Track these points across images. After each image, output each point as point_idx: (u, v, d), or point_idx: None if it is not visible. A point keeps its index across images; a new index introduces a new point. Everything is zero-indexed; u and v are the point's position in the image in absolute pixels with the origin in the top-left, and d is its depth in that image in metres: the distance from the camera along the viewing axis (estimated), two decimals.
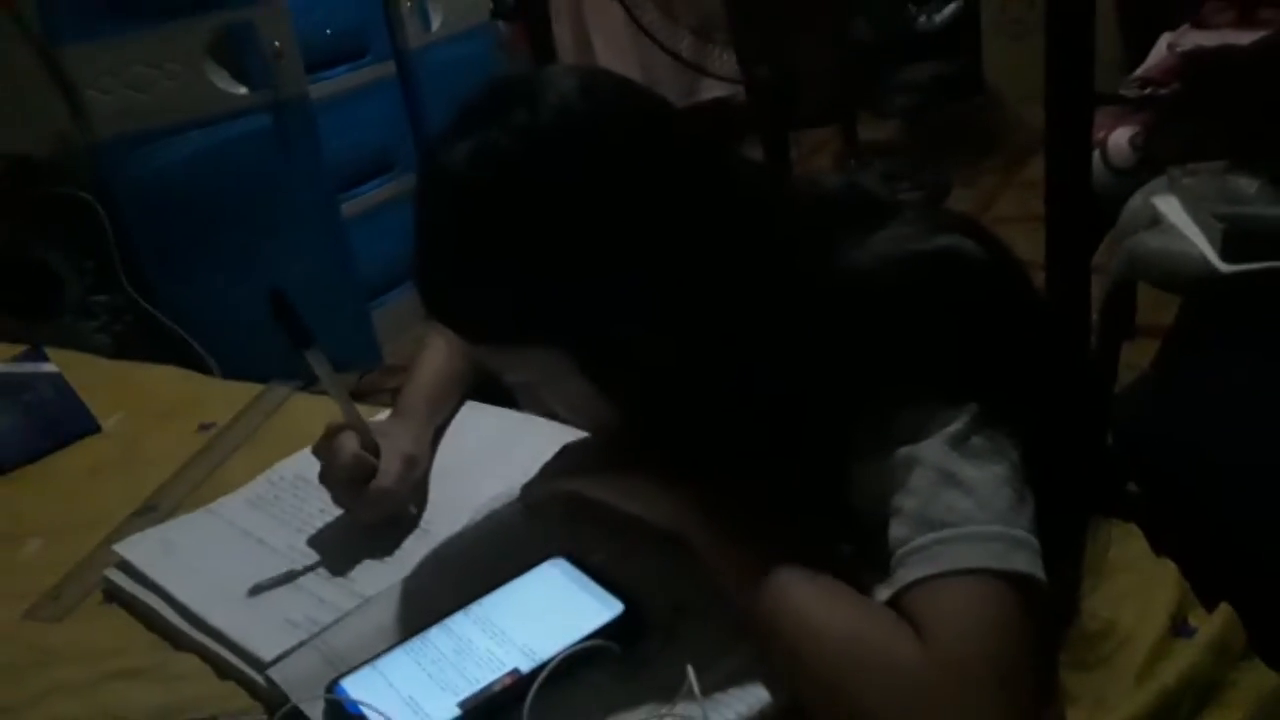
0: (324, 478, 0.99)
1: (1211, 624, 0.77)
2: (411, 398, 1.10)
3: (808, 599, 0.75)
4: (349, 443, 0.98)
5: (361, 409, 1.03)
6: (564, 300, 0.76)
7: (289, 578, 0.95)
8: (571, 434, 0.97)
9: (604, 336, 0.78)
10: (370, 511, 0.99)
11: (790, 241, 0.81)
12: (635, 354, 0.79)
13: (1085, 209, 1.65)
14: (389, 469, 0.99)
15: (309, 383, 1.16)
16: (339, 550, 0.99)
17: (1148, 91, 1.86)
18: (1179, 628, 0.78)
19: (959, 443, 0.73)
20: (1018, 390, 0.76)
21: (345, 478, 0.98)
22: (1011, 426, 0.74)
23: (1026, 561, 0.70)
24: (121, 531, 1.08)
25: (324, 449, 0.99)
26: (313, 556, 0.98)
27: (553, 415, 0.89)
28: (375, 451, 0.99)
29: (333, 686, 0.81)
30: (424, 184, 0.79)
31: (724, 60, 2.95)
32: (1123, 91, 1.89)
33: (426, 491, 1.05)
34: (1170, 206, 1.61)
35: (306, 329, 0.94)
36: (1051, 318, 0.89)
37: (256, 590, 0.94)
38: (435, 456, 1.09)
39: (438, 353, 1.14)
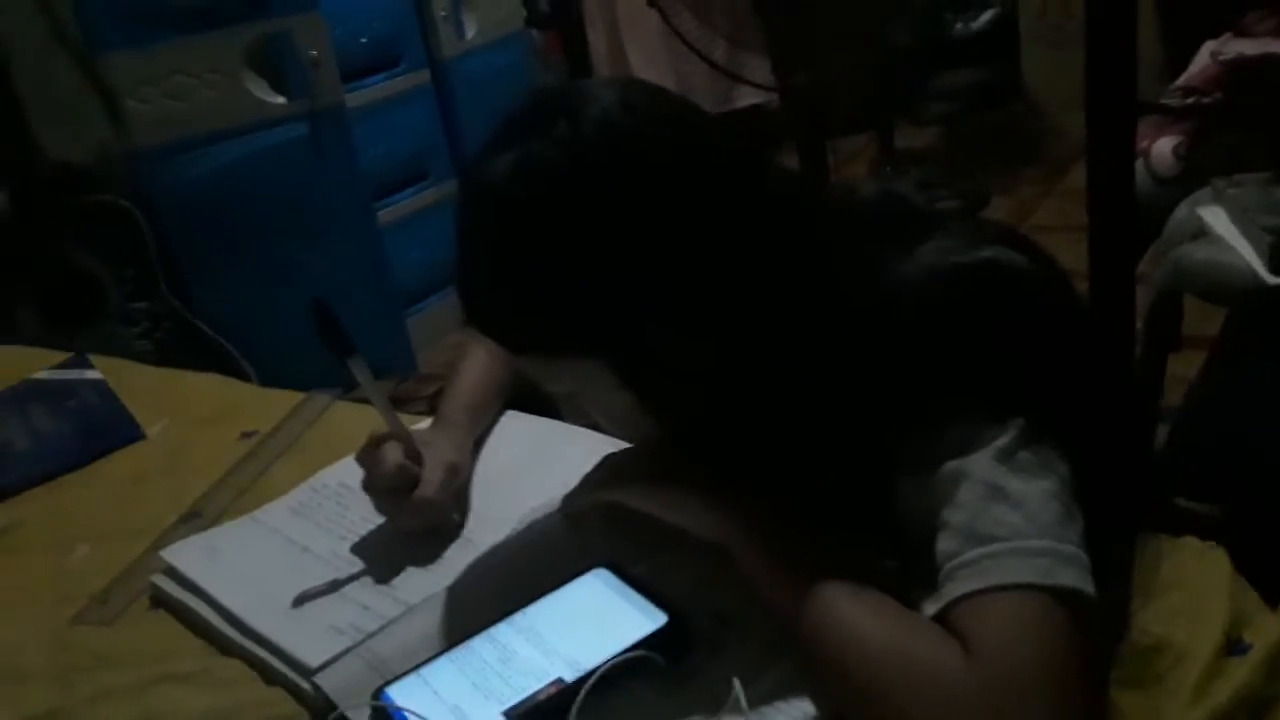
0: (367, 486, 1.01)
1: (1266, 638, 0.76)
2: (452, 407, 1.12)
3: (853, 613, 0.75)
4: (392, 453, 0.99)
5: (399, 417, 1.05)
6: (605, 312, 0.77)
7: (334, 587, 0.97)
8: (613, 444, 0.98)
9: (645, 348, 0.79)
10: (413, 520, 1.00)
11: (829, 252, 0.81)
12: (676, 366, 0.79)
13: (1129, 218, 1.64)
14: (432, 478, 1.00)
15: (348, 390, 1.18)
16: (382, 558, 1.00)
17: (1190, 100, 1.85)
18: (1233, 646, 0.77)
19: (1007, 457, 0.73)
20: (1065, 404, 0.76)
21: (389, 486, 0.99)
22: (1059, 441, 0.74)
23: (1075, 576, 0.70)
24: (167, 538, 1.10)
25: (368, 457, 1.00)
26: (356, 564, 1.00)
27: (595, 425, 0.89)
28: (418, 461, 1.00)
29: (379, 693, 0.82)
30: (465, 196, 0.80)
31: (759, 68, 2.96)
32: (1165, 100, 1.88)
33: (469, 500, 1.06)
34: (1216, 218, 1.60)
35: (349, 338, 0.96)
36: (1098, 329, 0.89)
37: (301, 600, 0.95)
38: (476, 466, 1.11)
39: (477, 362, 1.15)
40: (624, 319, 0.77)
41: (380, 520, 1.03)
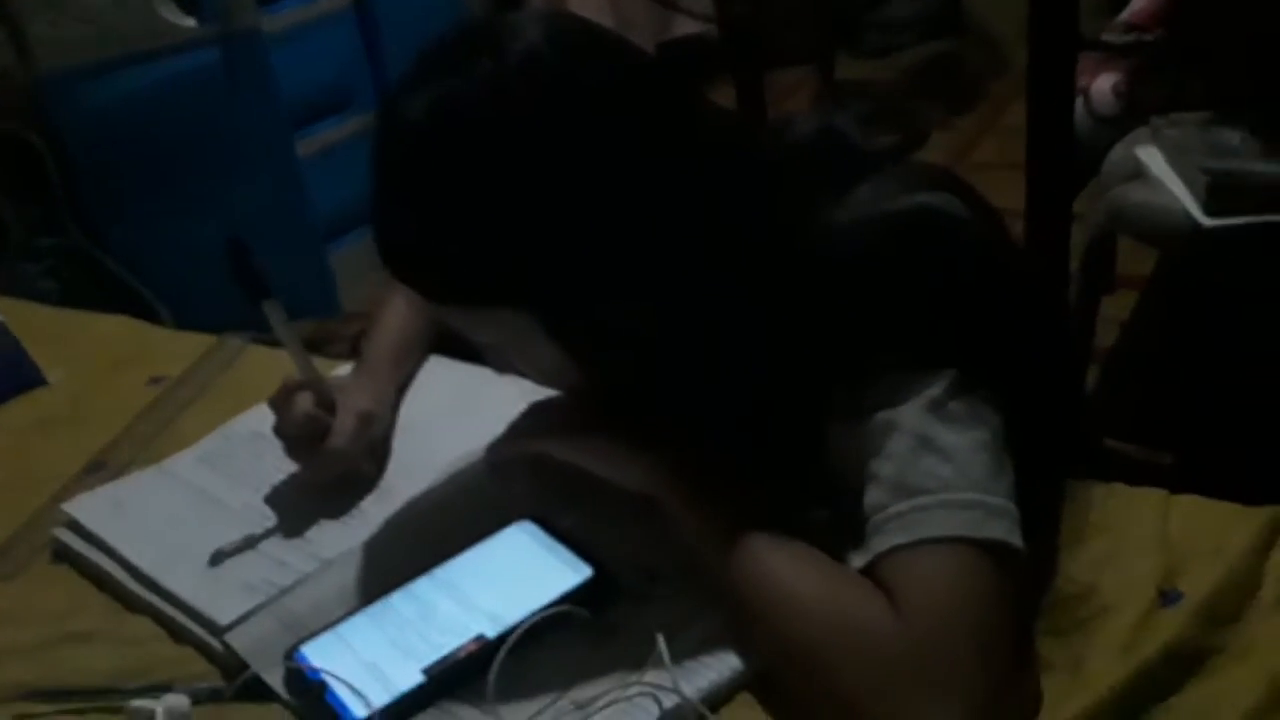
0: (278, 431, 0.98)
1: (1199, 588, 0.77)
2: (373, 353, 1.09)
3: (780, 565, 0.75)
4: (303, 401, 0.97)
5: (318, 360, 1.02)
6: (527, 260, 0.75)
7: (249, 543, 0.95)
8: (539, 392, 0.96)
9: (569, 299, 0.77)
10: (322, 471, 0.99)
11: (761, 197, 0.80)
12: (601, 316, 0.78)
13: (1067, 157, 1.64)
14: (343, 428, 0.98)
15: (264, 333, 1.15)
16: (297, 511, 0.98)
17: (1132, 37, 1.85)
18: (1166, 596, 0.78)
19: (937, 408, 0.73)
20: (998, 354, 0.76)
21: (299, 435, 0.97)
22: (991, 391, 0.74)
23: (1004, 529, 0.71)
24: (70, 489, 1.07)
25: (279, 402, 0.98)
26: (270, 516, 0.98)
27: (520, 375, 0.88)
28: (331, 409, 0.98)
29: (293, 652, 0.81)
30: (382, 134, 0.77)
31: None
32: (1106, 37, 1.87)
33: (388, 451, 1.05)
34: (1153, 158, 1.61)
35: (264, 279, 0.93)
36: (1032, 277, 0.89)
37: (217, 559, 0.93)
38: (415, 417, 1.09)
39: (399, 306, 1.13)
40: (548, 268, 0.75)
41: (294, 469, 1.01)
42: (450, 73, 0.74)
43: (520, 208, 0.74)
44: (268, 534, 0.96)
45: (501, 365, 0.87)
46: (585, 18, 0.81)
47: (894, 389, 0.74)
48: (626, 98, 0.76)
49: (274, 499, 1.00)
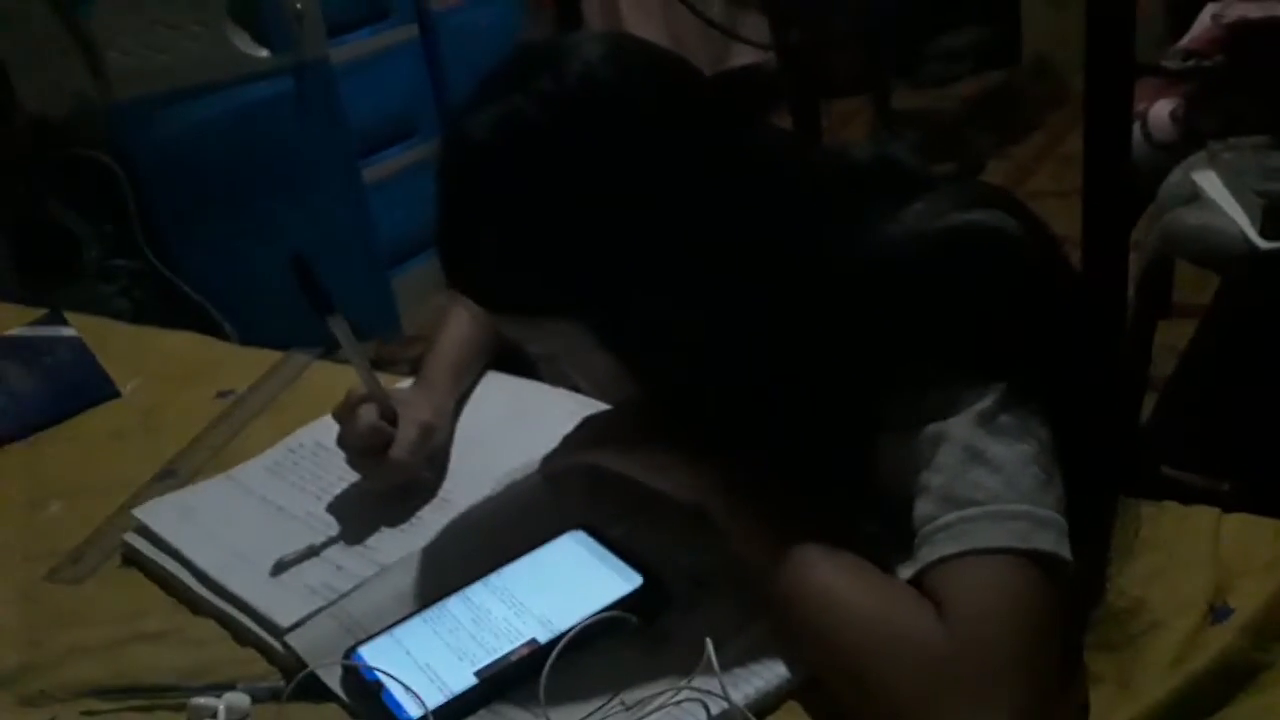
0: (341, 442, 1.01)
1: (1249, 603, 0.77)
2: (433, 367, 1.12)
3: (829, 576, 0.76)
4: (367, 413, 0.99)
5: (380, 378, 1.05)
6: (584, 272, 0.77)
7: (310, 553, 0.97)
8: (594, 406, 0.98)
9: (625, 309, 0.78)
10: (385, 480, 1.01)
11: (815, 214, 0.81)
12: (657, 328, 0.79)
13: (1124, 183, 1.63)
14: (405, 439, 1.00)
15: (329, 350, 1.17)
16: (358, 518, 1.00)
17: (1190, 63, 1.84)
18: (1216, 612, 0.77)
19: (987, 421, 0.73)
20: (1048, 370, 0.76)
21: (362, 446, 0.99)
22: (1040, 405, 0.74)
23: (1052, 541, 0.71)
24: (141, 496, 1.10)
25: (343, 414, 1.00)
26: (332, 524, 1.00)
27: (574, 387, 0.90)
28: (393, 421, 1.00)
29: (350, 653, 0.82)
30: (447, 151, 0.80)
31: (755, 25, 2.94)
32: (1164, 63, 1.87)
33: (446, 461, 1.07)
34: (1209, 182, 1.59)
35: (328, 295, 0.96)
36: (1085, 297, 0.89)
37: (280, 568, 0.95)
38: (473, 430, 1.11)
39: (460, 322, 1.15)
40: (604, 279, 0.77)
41: (355, 479, 1.03)
42: (511, 91, 0.76)
43: (577, 221, 0.76)
44: (329, 543, 0.98)
45: (555, 377, 0.89)
46: (642, 38, 0.83)
47: (944, 401, 0.75)
48: (683, 115, 0.78)
49: (336, 507, 1.02)
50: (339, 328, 0.97)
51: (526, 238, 0.77)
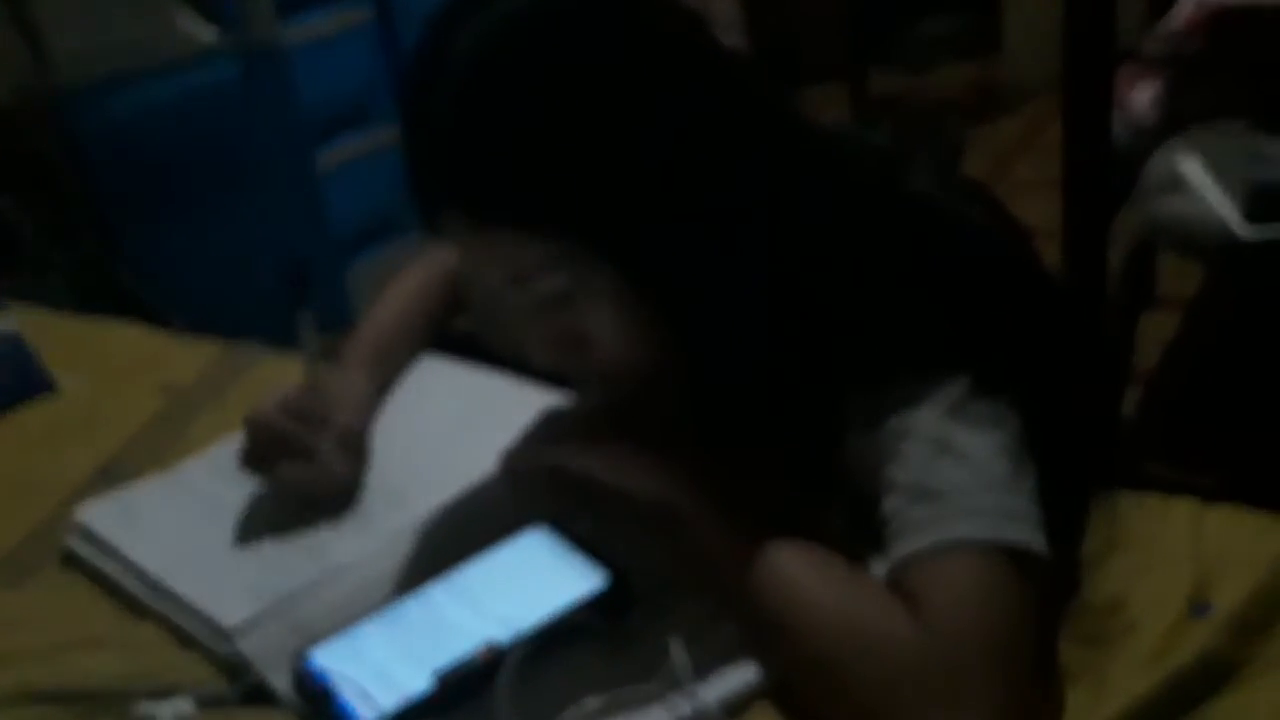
0: (252, 442, 0.99)
1: (1229, 599, 0.78)
2: (356, 347, 1.11)
3: (798, 573, 0.76)
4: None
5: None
6: (583, 179, 0.75)
7: (219, 521, 0.99)
8: (551, 397, 0.98)
9: (627, 220, 0.76)
10: (335, 462, 0.99)
11: (799, 176, 0.80)
12: (660, 248, 0.77)
13: (1104, 169, 1.65)
14: (349, 412, 1.00)
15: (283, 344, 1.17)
16: (303, 518, 1.00)
17: (1171, 47, 1.85)
18: (1196, 608, 0.78)
19: (955, 411, 0.74)
20: (1016, 360, 0.76)
21: (278, 434, 0.98)
22: (1010, 396, 0.75)
23: (1024, 533, 0.71)
24: (81, 495, 1.09)
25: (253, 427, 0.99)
26: (279, 522, 0.99)
27: (517, 355, 0.88)
28: (322, 422, 0.99)
29: (302, 656, 0.82)
30: (428, 68, 0.77)
31: (726, 11, 2.94)
32: (1145, 47, 1.88)
33: (367, 449, 1.06)
34: (1191, 168, 1.61)
35: (307, 295, 0.96)
36: (1056, 287, 0.89)
37: (183, 533, 0.98)
38: (415, 418, 1.10)
39: (393, 301, 1.15)
40: (601, 186, 0.75)
41: None
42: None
43: (576, 125, 0.74)
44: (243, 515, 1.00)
45: (504, 342, 0.87)
46: None
47: (909, 393, 0.75)
48: (686, 26, 0.78)
49: (268, 501, 1.02)
50: (306, 325, 0.98)
51: (528, 144, 0.74)
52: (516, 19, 0.75)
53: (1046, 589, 0.73)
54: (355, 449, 1.04)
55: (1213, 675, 0.74)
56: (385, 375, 1.13)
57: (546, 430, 0.94)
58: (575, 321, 0.81)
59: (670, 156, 0.75)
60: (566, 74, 0.74)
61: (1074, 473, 0.82)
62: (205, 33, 2.40)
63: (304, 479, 0.98)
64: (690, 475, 0.84)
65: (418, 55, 0.78)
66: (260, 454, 0.98)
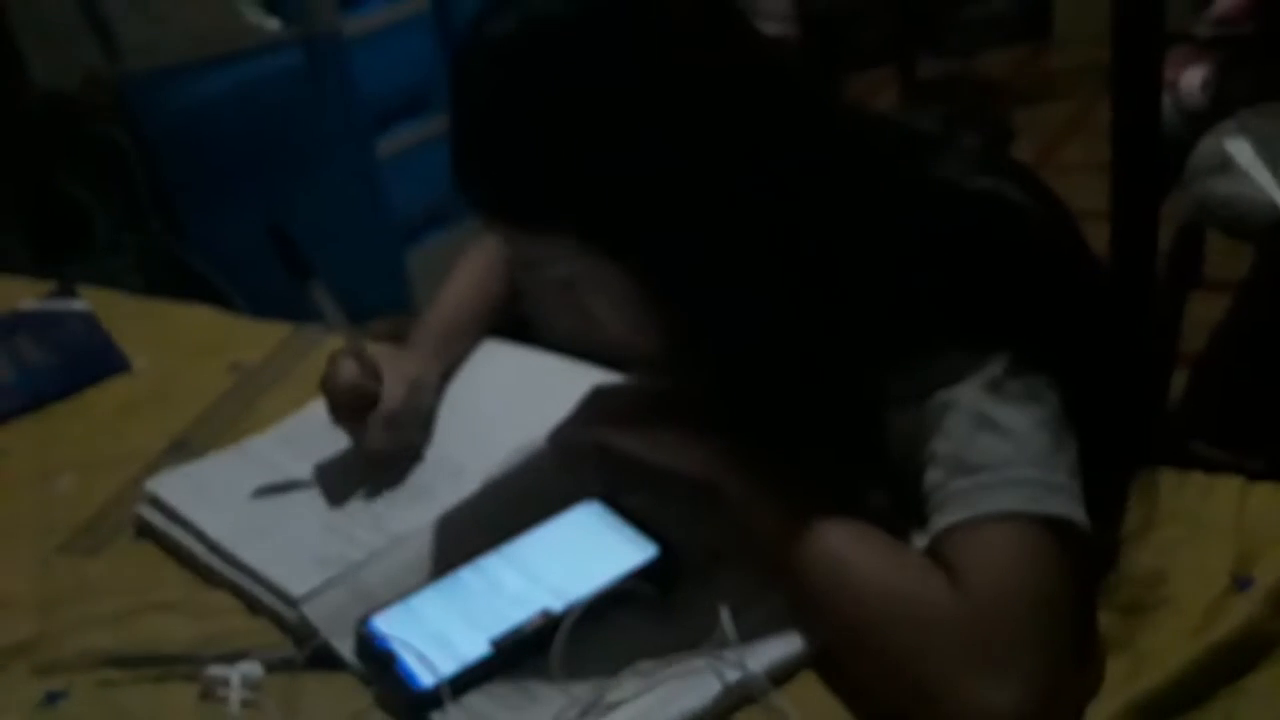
0: (329, 403, 1.02)
1: (1273, 573, 0.77)
2: (422, 332, 1.13)
3: (841, 546, 0.77)
4: (348, 369, 1.00)
5: (385, 348, 1.06)
6: (605, 177, 0.75)
7: (291, 486, 1.01)
8: (601, 376, 0.99)
9: (642, 223, 0.76)
10: (376, 438, 1.01)
11: (833, 161, 0.80)
12: (668, 253, 0.77)
13: (1153, 152, 1.63)
14: (393, 393, 1.01)
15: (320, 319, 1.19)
16: (360, 485, 1.02)
17: (1220, 31, 1.83)
18: (1239, 582, 0.78)
19: (995, 387, 0.74)
20: (1057, 338, 0.76)
21: (346, 401, 1.00)
22: (1051, 372, 0.75)
23: (1064, 505, 0.71)
24: (153, 468, 1.12)
25: (327, 374, 1.01)
26: (339, 493, 1.02)
27: (571, 338, 0.89)
28: (378, 378, 1.01)
29: (364, 622, 0.84)
30: (467, 55, 0.78)
31: (777, 1, 2.93)
32: (1194, 31, 1.86)
33: (432, 424, 1.08)
34: (1240, 150, 1.59)
35: (305, 262, 0.96)
36: (1098, 267, 0.89)
37: (260, 494, 1.01)
38: (475, 397, 1.12)
39: (458, 287, 1.17)
40: (624, 187, 0.75)
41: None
42: None
43: (603, 124, 0.74)
44: (309, 485, 1.03)
45: (552, 328, 0.88)
46: None
47: (951, 369, 0.75)
48: (706, 22, 0.77)
49: (329, 468, 1.04)
50: (319, 292, 0.98)
51: (542, 139, 0.75)
52: (524, 37, 0.75)
53: (1085, 561, 0.73)
54: (427, 419, 1.07)
55: (1253, 648, 0.74)
56: (451, 358, 1.15)
57: (595, 409, 0.95)
58: (584, 303, 0.83)
59: (671, 165, 0.75)
60: (565, 95, 0.74)
61: (1115, 449, 0.81)
62: (268, 23, 2.42)
63: (383, 438, 1.02)
64: (734, 452, 0.85)
65: (452, 60, 0.79)
66: (339, 413, 1.02)
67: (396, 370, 1.03)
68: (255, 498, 1.02)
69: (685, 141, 0.75)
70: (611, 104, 0.74)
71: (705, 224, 0.76)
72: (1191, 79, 1.86)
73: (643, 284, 0.79)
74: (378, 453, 1.03)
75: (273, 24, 2.43)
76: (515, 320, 0.98)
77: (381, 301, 2.56)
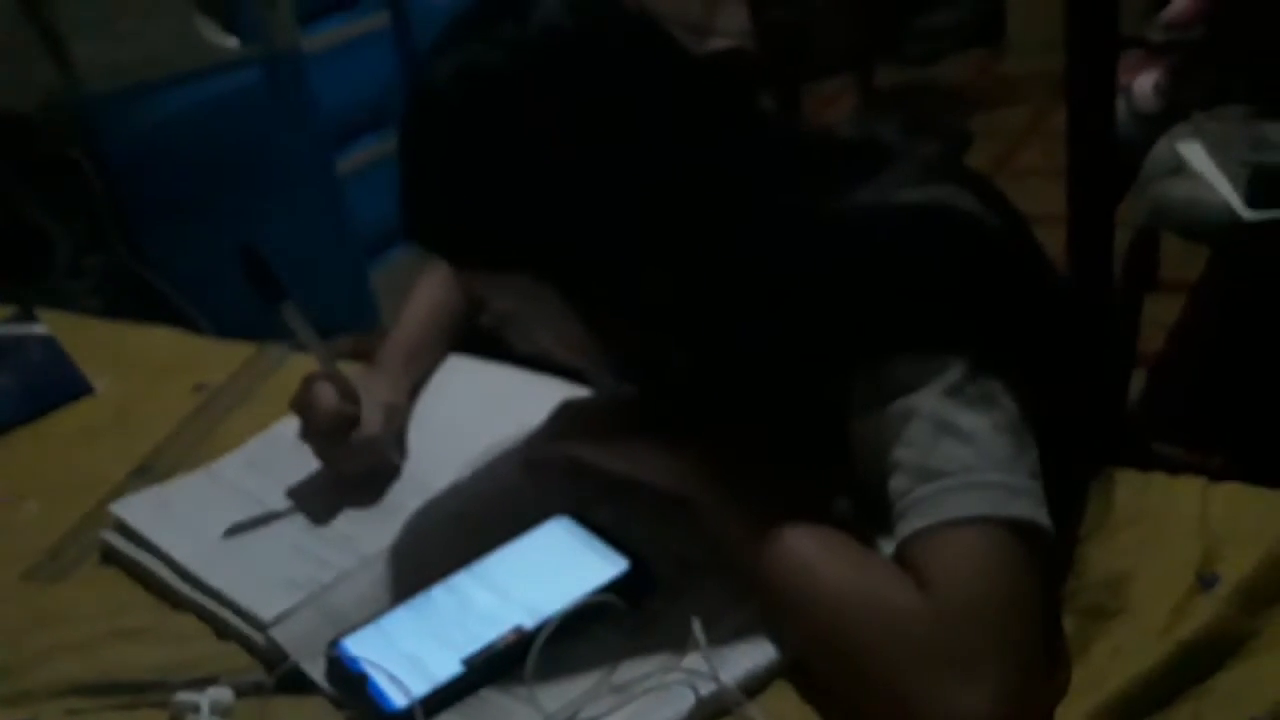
0: (305, 431, 1.01)
1: (1235, 571, 0.78)
2: (390, 351, 1.13)
3: (809, 552, 0.77)
4: (327, 394, 0.99)
5: (355, 368, 1.05)
6: (543, 224, 0.77)
7: (266, 519, 0.99)
8: (568, 390, 0.99)
9: (585, 264, 0.78)
10: (355, 461, 1.01)
11: (782, 180, 0.81)
12: (617, 284, 0.79)
13: (1108, 156, 1.64)
14: (372, 417, 1.00)
15: (293, 341, 1.18)
16: (331, 506, 1.01)
17: (1173, 36, 1.85)
18: (1205, 581, 0.79)
19: (955, 392, 0.74)
20: (1013, 341, 0.77)
21: (327, 428, 0.99)
22: (1009, 376, 0.75)
23: (1028, 508, 0.72)
24: (118, 492, 1.10)
25: (302, 401, 1.00)
26: (307, 514, 1.01)
27: (541, 353, 0.90)
28: (355, 401, 1.01)
29: (334, 644, 0.83)
30: (409, 101, 0.80)
31: (734, 14, 2.94)
32: (1147, 34, 1.88)
33: (406, 443, 1.08)
34: (1194, 153, 1.60)
35: (278, 283, 0.96)
36: (1052, 271, 0.90)
37: (232, 532, 0.98)
38: (441, 413, 1.12)
39: (420, 304, 1.17)
40: (562, 232, 0.77)
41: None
42: (475, 38, 0.77)
43: (537, 171, 0.76)
44: (288, 513, 1.01)
45: (522, 339, 0.89)
46: None
47: (910, 376, 0.76)
48: (642, 67, 0.78)
49: (305, 495, 1.03)
50: (291, 314, 0.98)
51: (486, 187, 0.77)
52: (462, 87, 0.77)
53: (1048, 563, 0.74)
54: (401, 438, 1.07)
55: (1221, 647, 0.74)
56: (417, 375, 1.14)
57: (565, 423, 0.95)
58: (532, 330, 0.86)
59: (610, 202, 0.76)
60: (503, 142, 0.76)
61: (1073, 450, 0.82)
62: (227, 41, 2.41)
63: (364, 461, 1.03)
64: (703, 463, 0.85)
65: (406, 89, 0.81)
66: (318, 438, 1.01)
67: (372, 393, 1.03)
68: (221, 520, 1.01)
69: (621, 179, 0.76)
70: (548, 150, 0.75)
71: (647, 257, 0.78)
72: (1145, 83, 1.88)
73: (587, 317, 0.81)
74: (356, 475, 1.02)
75: (231, 42, 2.41)
76: (486, 334, 0.98)
77: (347, 319, 2.54)
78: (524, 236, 0.78)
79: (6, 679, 0.90)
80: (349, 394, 1.00)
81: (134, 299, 2.31)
